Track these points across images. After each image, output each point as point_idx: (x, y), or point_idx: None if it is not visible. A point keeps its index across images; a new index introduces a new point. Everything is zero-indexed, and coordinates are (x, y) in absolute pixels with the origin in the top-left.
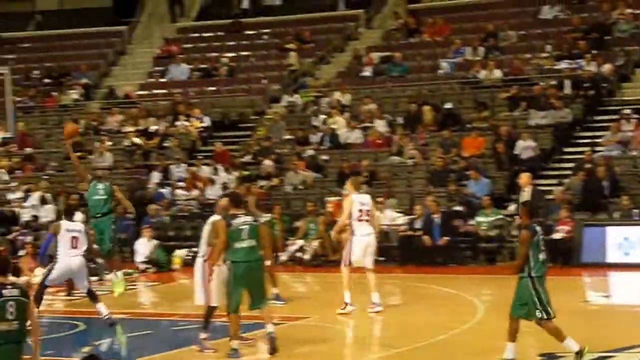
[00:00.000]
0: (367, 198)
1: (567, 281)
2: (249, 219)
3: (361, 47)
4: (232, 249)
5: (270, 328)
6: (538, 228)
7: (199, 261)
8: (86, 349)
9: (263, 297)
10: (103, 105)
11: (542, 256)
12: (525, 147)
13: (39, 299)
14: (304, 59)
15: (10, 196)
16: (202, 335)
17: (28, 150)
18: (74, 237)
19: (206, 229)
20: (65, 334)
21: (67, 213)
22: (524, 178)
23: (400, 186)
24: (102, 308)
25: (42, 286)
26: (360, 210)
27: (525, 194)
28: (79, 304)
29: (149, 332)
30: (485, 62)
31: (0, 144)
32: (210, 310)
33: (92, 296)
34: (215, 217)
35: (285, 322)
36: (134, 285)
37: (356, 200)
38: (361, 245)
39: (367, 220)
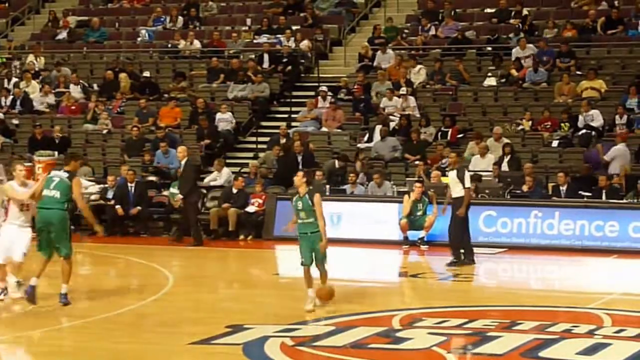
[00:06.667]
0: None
1: (259, 254)
2: None
3: (58, 9)
4: None
5: None
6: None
7: None
8: None
9: None
10: None
11: None
12: (222, 119)
13: None
14: None
15: None
16: None
17: None
18: None
19: None
20: None
21: None
22: (181, 151)
23: (94, 154)
24: None
25: None
26: None
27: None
28: None
29: None
30: (185, 33)
31: None
32: None
33: None
34: None
35: None
36: None
37: None
38: None
39: None
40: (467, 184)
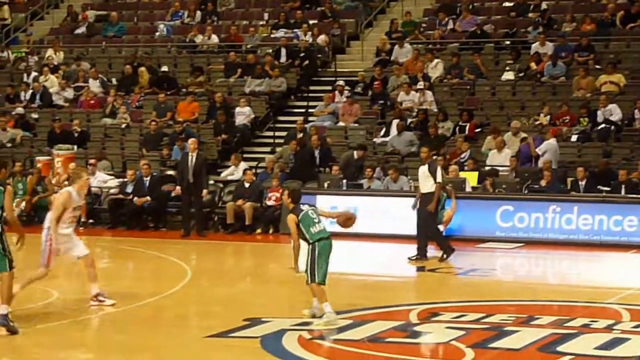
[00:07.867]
0: None
1: (275, 248)
2: None
3: (76, 4)
4: None
5: None
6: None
7: None
8: None
9: None
10: None
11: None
12: (240, 113)
13: None
14: (17, 13)
15: None
16: None
17: None
18: None
19: None
20: None
21: None
22: (192, 143)
23: (113, 148)
24: None
25: None
26: None
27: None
28: None
29: None
30: (203, 27)
31: None
32: None
33: None
34: None
35: None
36: None
37: None
38: None
39: None
40: (439, 178)
